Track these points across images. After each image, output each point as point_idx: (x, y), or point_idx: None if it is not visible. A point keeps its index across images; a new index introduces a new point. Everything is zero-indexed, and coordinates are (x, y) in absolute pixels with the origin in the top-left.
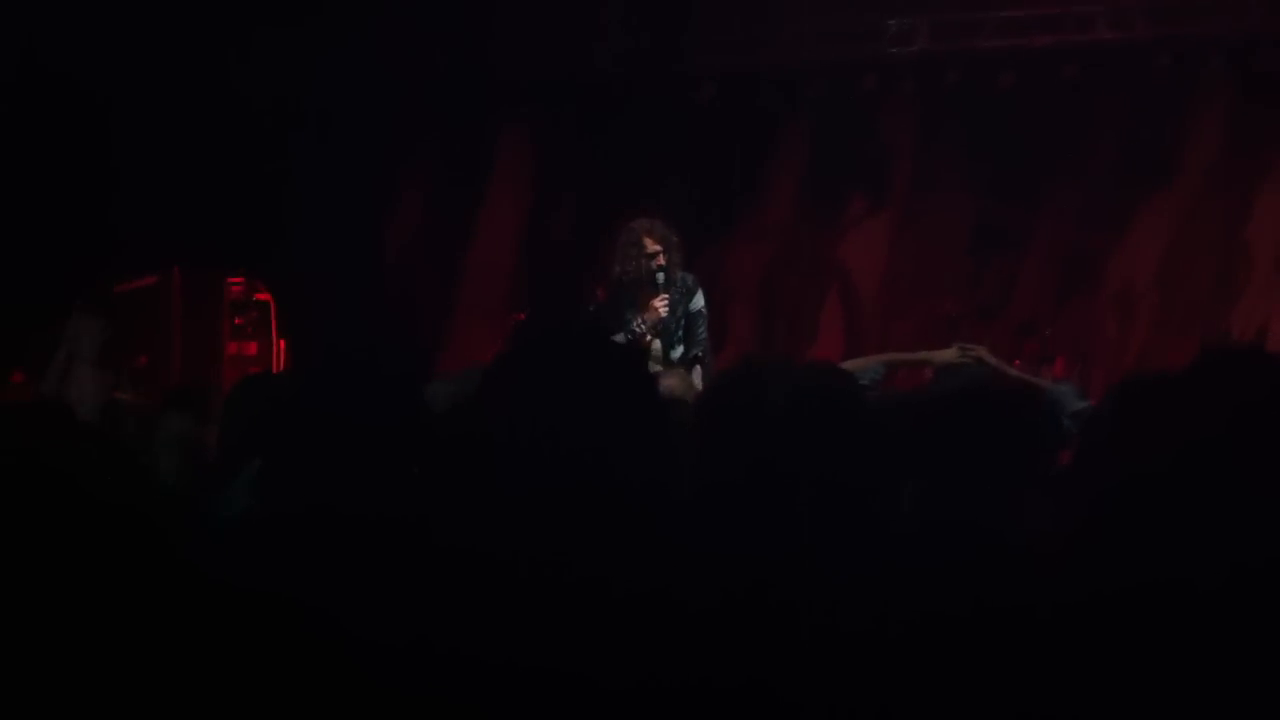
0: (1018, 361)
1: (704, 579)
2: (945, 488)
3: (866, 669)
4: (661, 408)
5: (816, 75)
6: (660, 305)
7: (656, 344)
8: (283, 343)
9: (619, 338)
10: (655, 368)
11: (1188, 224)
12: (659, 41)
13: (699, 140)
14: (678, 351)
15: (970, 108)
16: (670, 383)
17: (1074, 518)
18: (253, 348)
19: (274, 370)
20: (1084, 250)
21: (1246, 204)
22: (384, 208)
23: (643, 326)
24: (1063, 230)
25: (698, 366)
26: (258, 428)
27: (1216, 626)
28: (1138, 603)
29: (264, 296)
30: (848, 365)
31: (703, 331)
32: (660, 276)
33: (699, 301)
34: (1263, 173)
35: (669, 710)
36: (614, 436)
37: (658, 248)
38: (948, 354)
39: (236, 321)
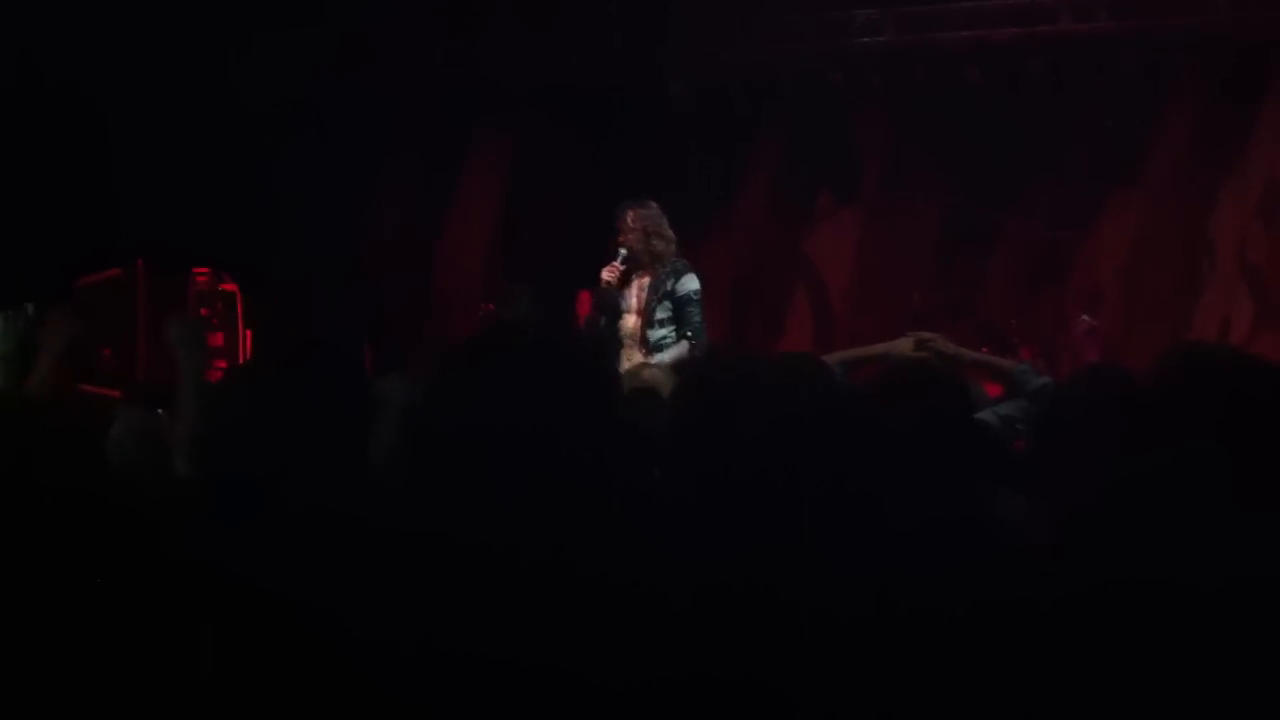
0: (985, 349)
1: (669, 573)
2: (908, 476)
3: (845, 661)
4: (611, 398)
5: (785, 71)
6: (606, 272)
7: (632, 321)
8: (249, 334)
9: (601, 316)
10: (629, 345)
11: (1153, 219)
12: (630, 39)
13: (669, 137)
14: (658, 332)
15: (938, 104)
16: (650, 374)
17: (1043, 506)
18: (219, 339)
19: (239, 362)
20: (1051, 245)
21: (1211, 199)
22: (356, 200)
23: (603, 301)
24: (1030, 226)
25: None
26: (228, 421)
27: (1184, 614)
28: (1109, 595)
29: (230, 288)
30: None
31: (695, 314)
32: (621, 252)
33: (688, 285)
34: (1227, 168)
35: (629, 704)
36: (561, 428)
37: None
38: (904, 345)
39: (202, 313)
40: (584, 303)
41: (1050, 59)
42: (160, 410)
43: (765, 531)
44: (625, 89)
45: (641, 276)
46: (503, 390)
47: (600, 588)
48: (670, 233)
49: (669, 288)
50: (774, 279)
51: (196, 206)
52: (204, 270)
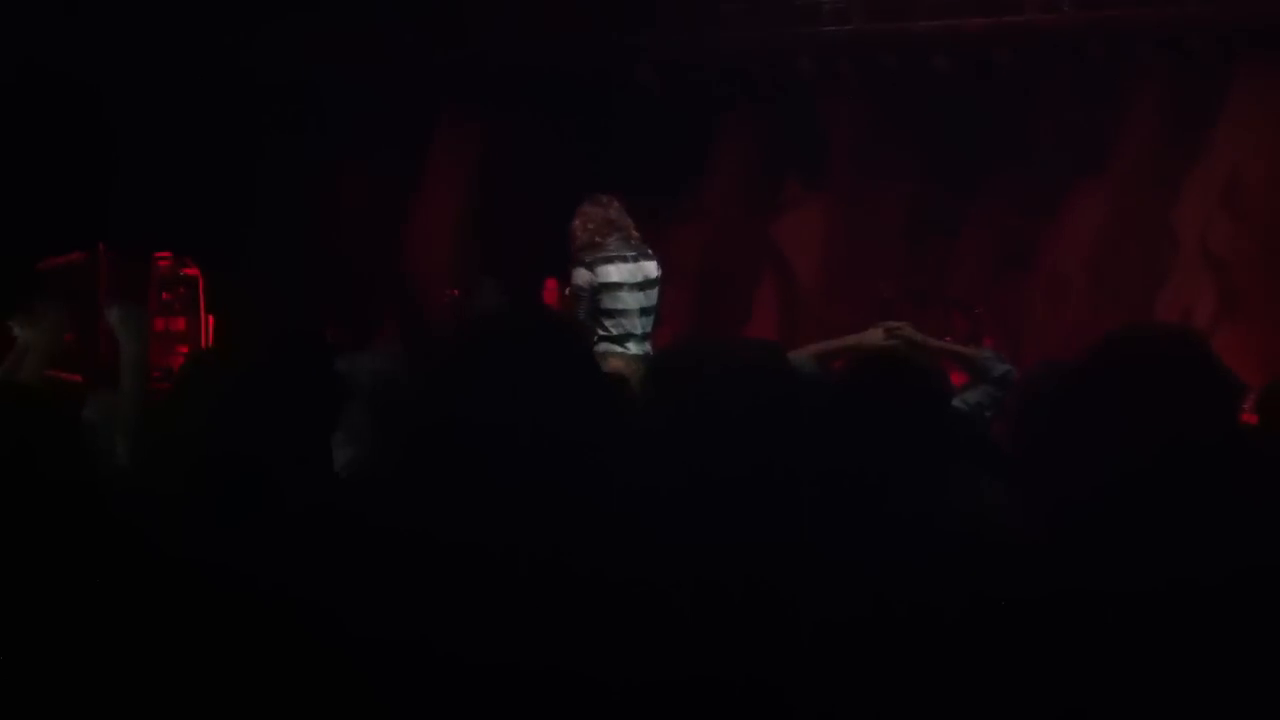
0: (948, 338)
1: (645, 562)
2: (876, 463)
3: (819, 653)
4: (600, 385)
5: (754, 57)
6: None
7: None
8: (211, 319)
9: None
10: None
11: (1119, 207)
12: (599, 25)
13: (637, 121)
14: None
15: (906, 92)
16: (616, 364)
17: (1023, 492)
18: (181, 324)
19: (202, 346)
20: (1017, 233)
21: (1175, 189)
22: (321, 183)
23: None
24: (997, 213)
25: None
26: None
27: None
28: (1093, 582)
29: (192, 272)
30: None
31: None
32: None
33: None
34: (1192, 158)
35: (603, 689)
36: (550, 414)
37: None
38: (874, 335)
39: (164, 297)
40: (550, 290)
41: (1018, 48)
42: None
43: (738, 523)
44: (594, 74)
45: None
46: (505, 378)
47: (583, 577)
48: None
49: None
50: (742, 266)
51: (159, 190)
52: (166, 255)
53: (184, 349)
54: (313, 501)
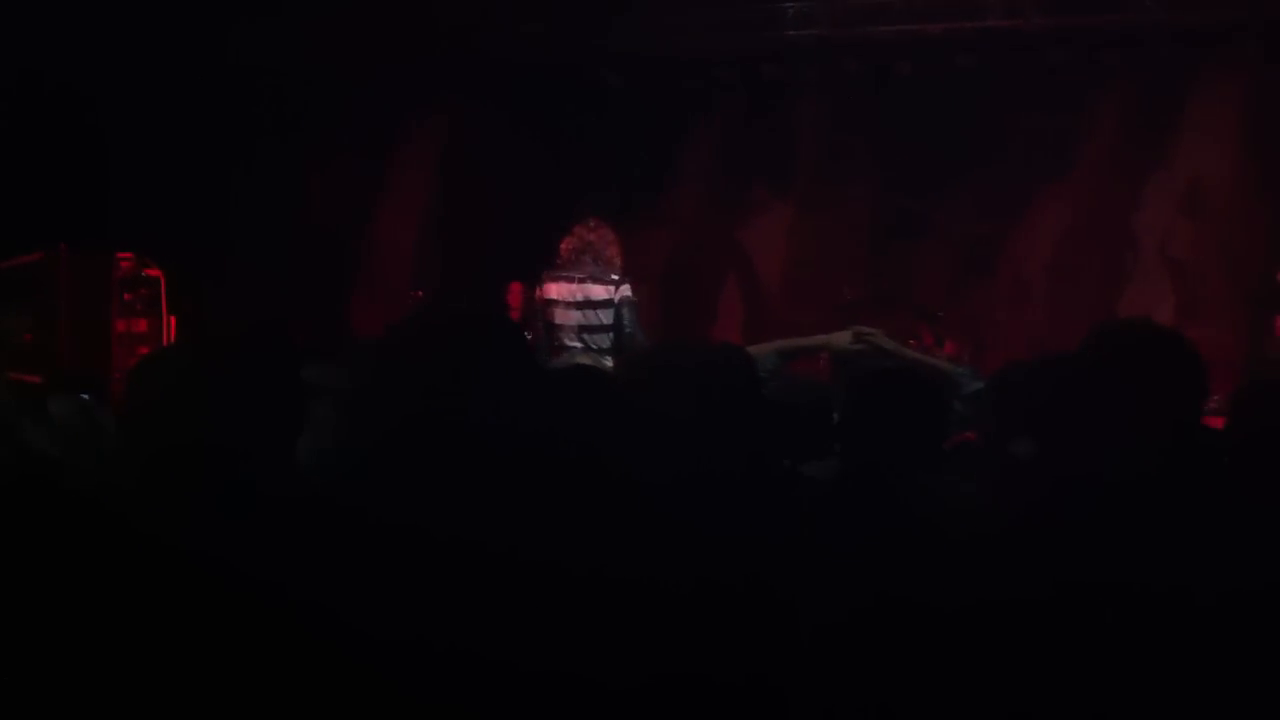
0: (912, 342)
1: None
2: (854, 465)
3: (773, 646)
4: (537, 384)
5: (719, 61)
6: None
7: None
8: (173, 320)
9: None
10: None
11: (1081, 213)
12: (566, 29)
13: (604, 124)
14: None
15: (870, 96)
16: (580, 360)
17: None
18: (142, 325)
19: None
20: (980, 237)
21: (1137, 194)
22: (287, 182)
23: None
24: (960, 218)
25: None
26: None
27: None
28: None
29: (154, 273)
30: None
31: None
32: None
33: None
34: (1153, 164)
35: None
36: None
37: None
38: (843, 338)
39: (125, 298)
40: (514, 293)
41: (981, 54)
42: (85, 395)
43: (702, 517)
44: (560, 78)
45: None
46: (437, 374)
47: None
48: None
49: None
50: (707, 269)
51: (121, 190)
52: (128, 255)
53: (146, 351)
54: (275, 497)
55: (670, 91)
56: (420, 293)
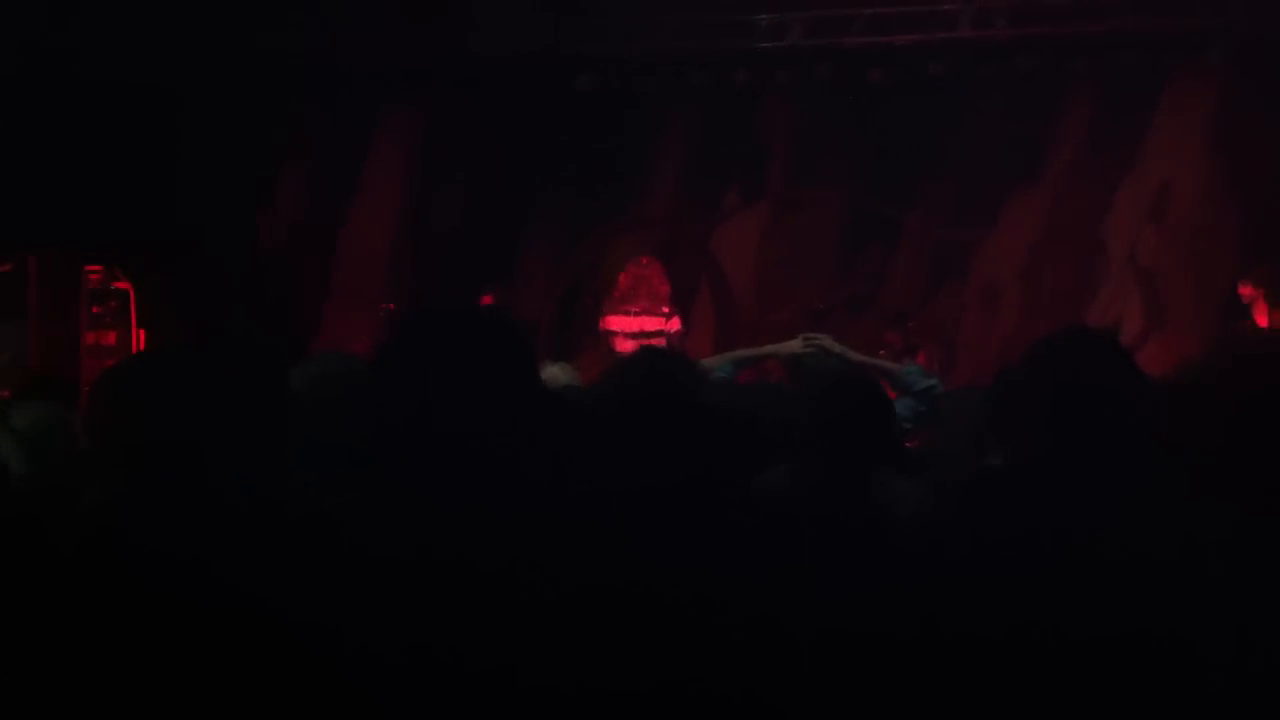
0: (882, 352)
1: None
2: (806, 469)
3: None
4: (543, 390)
5: (691, 68)
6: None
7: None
8: (143, 332)
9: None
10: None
11: (1050, 220)
12: (538, 29)
13: (576, 130)
14: None
15: (843, 103)
16: (550, 373)
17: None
18: (111, 337)
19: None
20: (951, 244)
21: (1106, 201)
22: (257, 194)
23: None
24: (931, 224)
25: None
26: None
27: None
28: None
29: (123, 285)
30: (702, 364)
31: None
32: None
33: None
34: (1122, 171)
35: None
36: (495, 418)
37: None
38: (792, 345)
39: (94, 311)
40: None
41: (951, 63)
42: (54, 404)
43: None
44: (533, 84)
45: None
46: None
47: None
48: None
49: None
50: (679, 273)
51: (90, 203)
52: (97, 268)
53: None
54: (255, 505)
55: (643, 97)
56: (392, 305)
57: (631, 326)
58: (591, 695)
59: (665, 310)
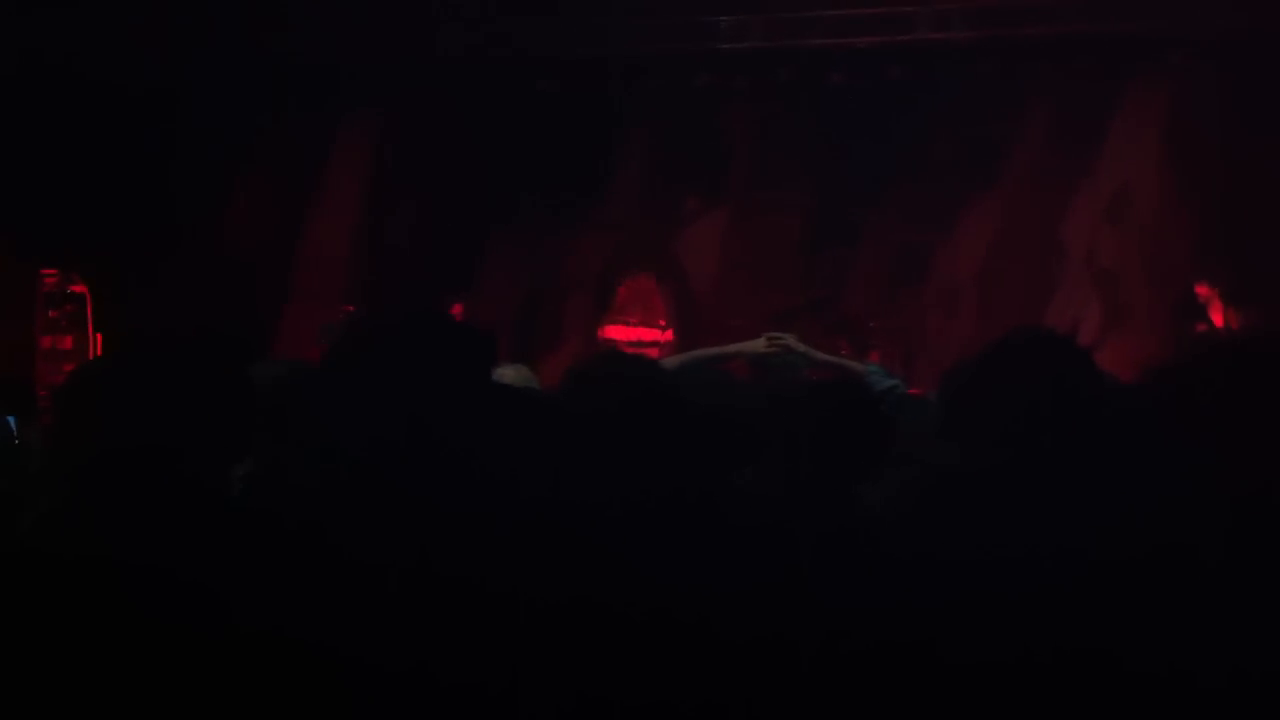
0: (845, 352)
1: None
2: (777, 472)
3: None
4: (499, 390)
5: (652, 70)
6: None
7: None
8: (100, 336)
9: None
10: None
11: (1009, 222)
12: (498, 31)
13: (537, 132)
14: None
15: (803, 105)
16: (506, 373)
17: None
18: (68, 342)
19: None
20: (910, 246)
21: (1064, 204)
22: (216, 195)
23: None
24: (891, 226)
25: None
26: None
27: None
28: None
29: (80, 289)
30: (663, 363)
31: None
32: None
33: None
34: (1080, 174)
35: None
36: (452, 418)
37: None
38: (756, 345)
39: (51, 315)
40: (456, 316)
41: (910, 66)
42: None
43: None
44: (495, 86)
45: None
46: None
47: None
48: None
49: None
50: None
51: (45, 205)
52: (53, 271)
53: (71, 368)
54: (216, 509)
55: (603, 100)
56: (351, 307)
57: (629, 336)
58: (584, 704)
59: (661, 323)
